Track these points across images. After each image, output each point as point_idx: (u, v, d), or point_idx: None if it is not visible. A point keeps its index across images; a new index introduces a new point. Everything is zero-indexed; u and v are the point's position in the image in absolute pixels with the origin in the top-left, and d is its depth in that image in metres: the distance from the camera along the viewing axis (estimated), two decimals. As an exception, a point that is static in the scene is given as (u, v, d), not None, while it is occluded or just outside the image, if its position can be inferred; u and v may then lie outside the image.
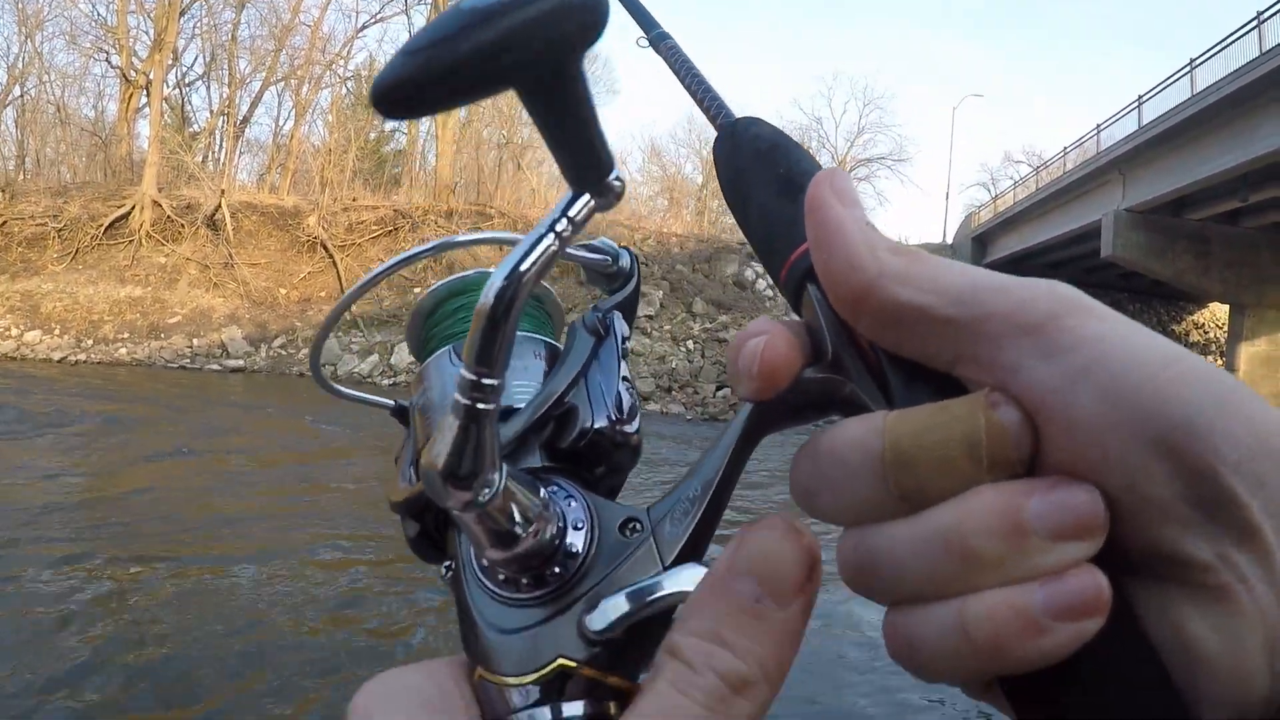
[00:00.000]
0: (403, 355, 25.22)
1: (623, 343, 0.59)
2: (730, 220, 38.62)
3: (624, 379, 0.56)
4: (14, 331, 25.35)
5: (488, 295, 0.35)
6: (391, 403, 0.65)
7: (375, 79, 0.29)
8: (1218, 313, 38.06)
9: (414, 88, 0.28)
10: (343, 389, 0.74)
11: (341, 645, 5.86)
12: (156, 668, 5.24)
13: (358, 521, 8.93)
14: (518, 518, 0.42)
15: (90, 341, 25.40)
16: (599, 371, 0.56)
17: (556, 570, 0.45)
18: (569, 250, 0.49)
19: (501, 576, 0.45)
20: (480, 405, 0.36)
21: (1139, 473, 0.32)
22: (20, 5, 38.60)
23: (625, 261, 0.68)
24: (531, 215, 33.18)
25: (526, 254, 0.35)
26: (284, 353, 26.00)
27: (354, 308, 27.64)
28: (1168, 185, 26.01)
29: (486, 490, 0.39)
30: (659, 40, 0.87)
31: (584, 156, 0.34)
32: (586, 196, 0.36)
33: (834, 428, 0.41)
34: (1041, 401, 0.34)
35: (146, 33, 37.12)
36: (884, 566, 0.37)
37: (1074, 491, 0.33)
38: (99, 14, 37.27)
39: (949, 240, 47.78)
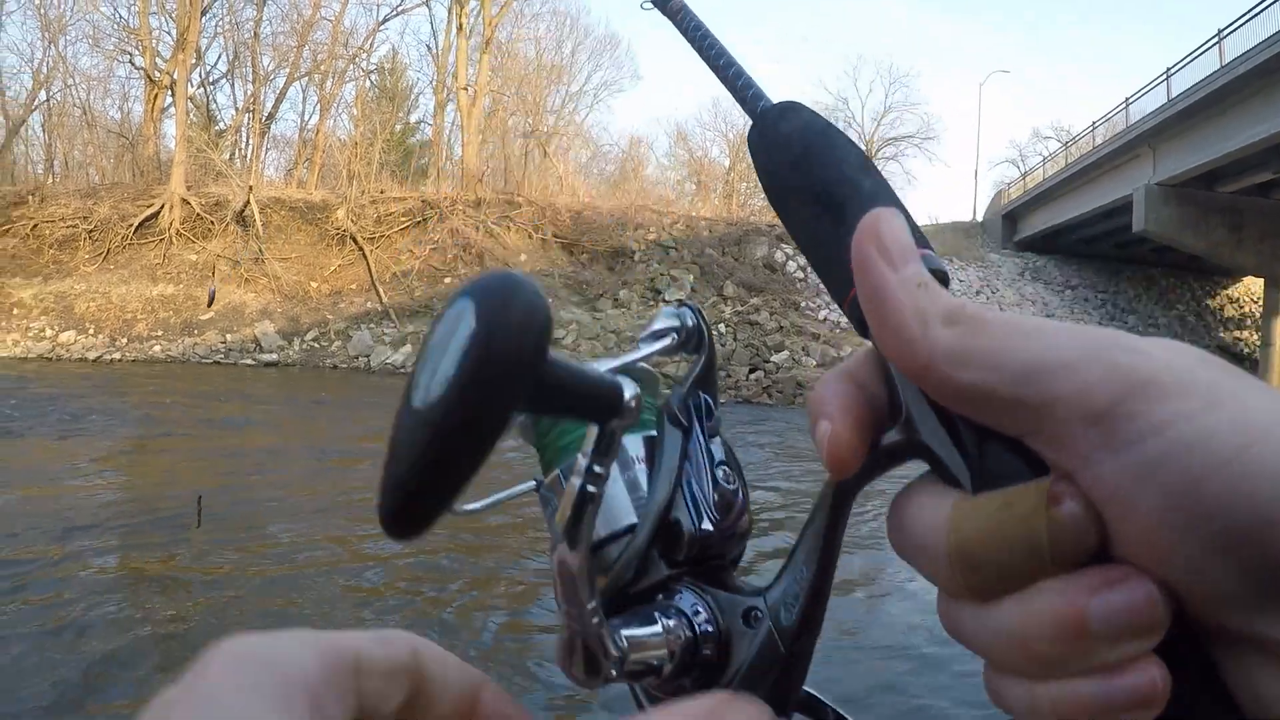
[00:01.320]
0: (435, 345, 25.21)
1: (710, 418, 0.57)
2: (759, 202, 38.58)
3: (720, 463, 0.55)
4: (49, 332, 25.44)
5: (564, 516, 0.41)
6: (532, 484, 0.61)
7: (380, 514, 0.32)
8: (1252, 287, 37.52)
9: (419, 511, 0.31)
10: (478, 505, 0.58)
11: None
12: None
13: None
14: (654, 661, 0.48)
15: (124, 340, 25.48)
16: (692, 471, 0.55)
17: (696, 674, 0.50)
18: (641, 364, 0.56)
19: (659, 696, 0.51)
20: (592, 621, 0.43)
21: (1204, 568, 0.32)
22: (43, 10, 38.83)
23: (691, 322, 0.61)
24: (559, 202, 33.04)
25: (583, 488, 0.40)
26: (317, 345, 26.02)
27: (385, 298, 27.77)
28: (1199, 158, 25.67)
29: (614, 670, 0.45)
30: (676, 11, 0.80)
31: (592, 405, 0.37)
32: (615, 421, 0.39)
33: (910, 502, 0.41)
34: (1108, 496, 0.34)
35: (169, 33, 37.29)
36: (964, 638, 0.39)
37: (1135, 590, 0.34)
38: (121, 16, 37.36)
39: (979, 218, 47.28)
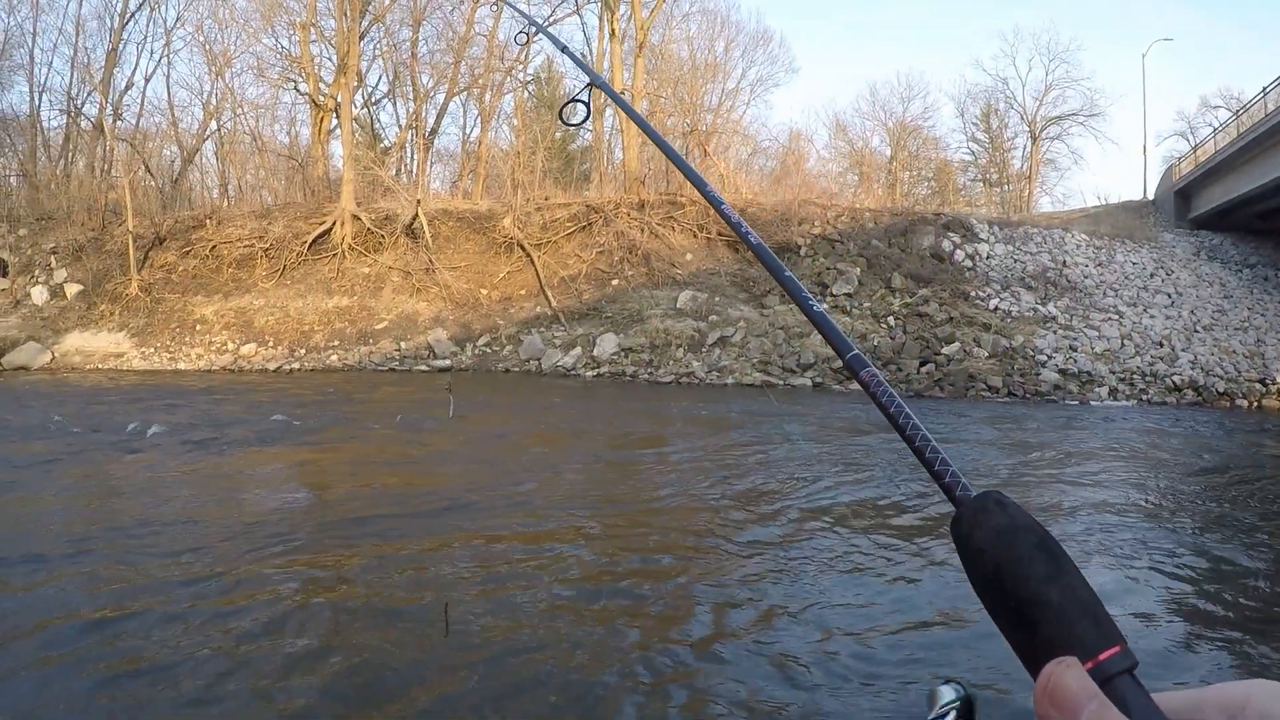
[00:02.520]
0: (604, 347, 25.02)
1: None
2: (923, 191, 37.65)
3: None
4: (230, 346, 26.23)
5: None
6: None
7: None
8: None
9: None
10: None
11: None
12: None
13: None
14: None
15: (303, 351, 26.06)
16: None
17: None
18: None
19: None
20: None
21: None
22: (208, 46, 40.40)
23: (964, 694, 0.83)
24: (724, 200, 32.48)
25: None
26: (489, 350, 26.15)
27: (554, 302, 27.69)
28: (1388, 117, 23.28)
29: None
30: (858, 365, 1.01)
31: None
32: None
33: None
34: None
35: (330, 58, 38.41)
36: None
37: None
38: (283, 46, 38.71)
39: (1150, 196, 44.79)
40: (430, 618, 5.08)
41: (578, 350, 25.32)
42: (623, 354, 25.05)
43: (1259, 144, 30.93)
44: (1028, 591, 0.61)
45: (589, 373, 24.24)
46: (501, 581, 5.89)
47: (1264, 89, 32.78)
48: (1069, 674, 0.48)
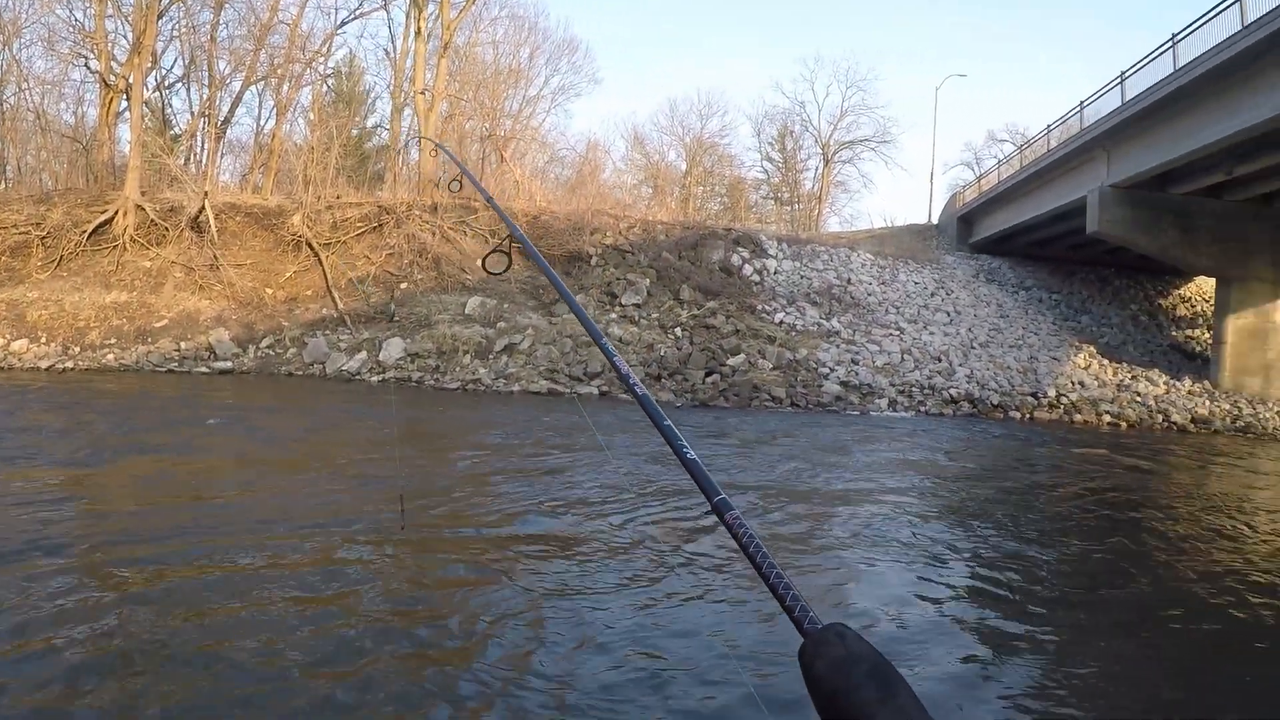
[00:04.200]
0: (391, 352, 25.23)
1: None
2: (715, 206, 39.25)
3: None
4: (0, 340, 25.14)
5: None
6: None
7: None
8: (1204, 286, 38.28)
9: None
10: None
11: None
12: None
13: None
14: None
15: (77, 348, 25.18)
16: None
17: None
18: None
19: None
20: None
21: None
22: (-3, 13, 38.41)
23: None
24: (516, 207, 33.18)
25: None
26: (271, 353, 25.88)
27: (340, 304, 27.77)
28: (1152, 160, 26.20)
29: None
30: (724, 508, 1.10)
31: None
32: None
33: None
34: None
35: (125, 36, 36.83)
36: None
37: None
38: (76, 19, 36.95)
39: (934, 220, 47.90)
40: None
41: (363, 354, 25.37)
42: (409, 359, 25.24)
43: (1039, 177, 33.90)
44: (859, 715, 0.68)
45: (374, 378, 24.29)
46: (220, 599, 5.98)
47: (1048, 126, 35.77)
48: None
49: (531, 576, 7.20)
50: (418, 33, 37.88)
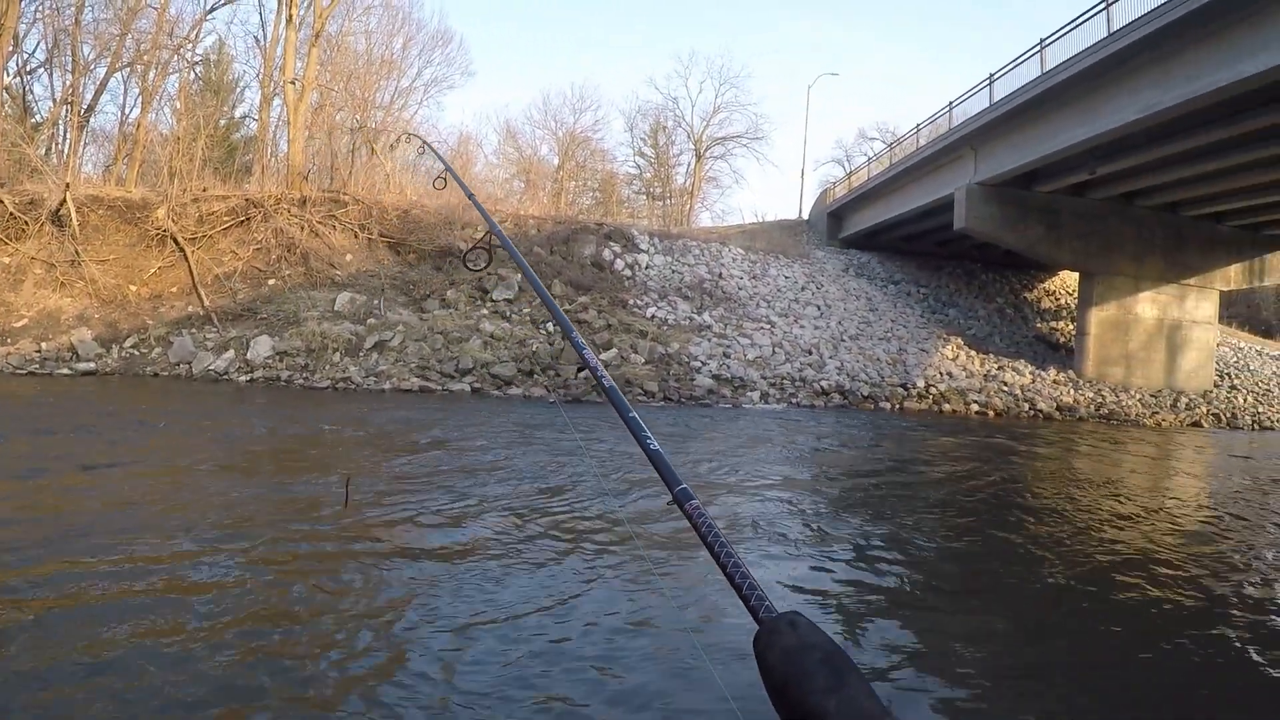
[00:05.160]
0: (259, 350, 25.19)
1: None
2: (587, 200, 39.75)
3: None
4: None
5: None
6: None
7: None
8: (1068, 280, 40.44)
9: None
10: None
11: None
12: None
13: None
14: None
15: (-70, 348, 24.58)
16: None
17: None
18: None
19: None
20: None
21: None
22: None
23: None
24: (386, 201, 33.25)
25: None
26: (136, 352, 25.51)
27: (207, 301, 27.57)
28: (1018, 160, 27.53)
29: None
30: (684, 497, 1.16)
31: None
32: None
33: None
34: None
35: (-14, 17, 35.68)
36: None
37: None
38: (-70, -3, 35.67)
39: (805, 215, 49.21)
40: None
41: (231, 353, 25.16)
42: (278, 358, 25.11)
43: (909, 174, 35.21)
44: (810, 705, 0.68)
45: (242, 377, 24.12)
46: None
47: (918, 125, 37.12)
48: None
49: (468, 573, 7.32)
50: (289, 20, 37.26)
